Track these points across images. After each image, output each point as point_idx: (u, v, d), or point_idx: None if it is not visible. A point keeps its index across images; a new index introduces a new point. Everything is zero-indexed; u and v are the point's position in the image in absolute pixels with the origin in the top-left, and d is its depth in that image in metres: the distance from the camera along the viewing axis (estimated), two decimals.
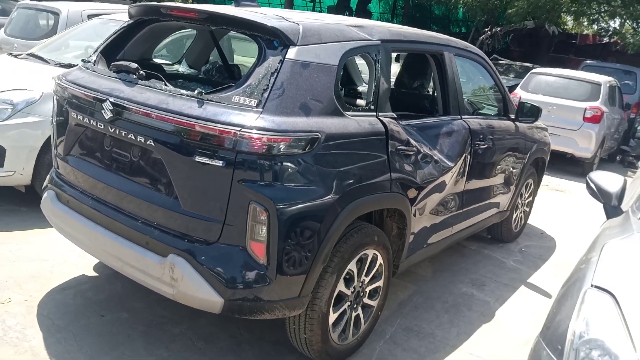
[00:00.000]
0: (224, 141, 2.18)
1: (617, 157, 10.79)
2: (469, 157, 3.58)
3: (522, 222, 5.20)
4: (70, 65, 4.53)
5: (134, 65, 2.56)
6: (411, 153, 2.94)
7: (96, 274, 3.47)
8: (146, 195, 2.45)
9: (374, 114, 2.76)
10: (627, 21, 15.13)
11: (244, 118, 2.20)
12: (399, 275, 3.30)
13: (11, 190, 4.34)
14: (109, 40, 2.99)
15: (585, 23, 18.16)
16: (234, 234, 2.26)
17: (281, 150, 2.21)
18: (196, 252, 2.30)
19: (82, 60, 2.90)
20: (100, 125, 2.54)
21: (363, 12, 19.88)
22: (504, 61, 13.53)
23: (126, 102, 2.41)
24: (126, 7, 7.89)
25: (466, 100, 3.85)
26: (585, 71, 11.38)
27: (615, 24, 16.83)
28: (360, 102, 2.80)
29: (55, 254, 3.62)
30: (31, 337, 2.76)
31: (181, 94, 2.36)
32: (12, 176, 4.03)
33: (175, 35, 4.79)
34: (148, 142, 2.35)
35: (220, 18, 2.58)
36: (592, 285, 1.91)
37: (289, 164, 2.25)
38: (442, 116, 3.44)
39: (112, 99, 2.45)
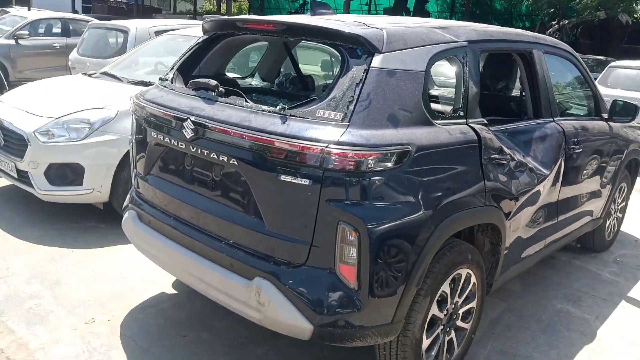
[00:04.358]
0: (310, 158, 2.05)
1: None
2: (563, 162, 3.29)
3: (615, 229, 4.78)
4: (142, 82, 4.59)
5: (213, 82, 2.49)
6: (505, 162, 2.71)
7: (175, 292, 3.44)
8: (229, 216, 2.36)
9: (464, 121, 2.56)
10: None
11: (330, 133, 2.07)
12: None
13: (90, 207, 4.43)
14: (184, 57, 2.94)
15: None
16: (322, 256, 2.13)
17: (370, 166, 2.06)
18: (283, 276, 2.18)
19: (160, 79, 2.86)
20: (181, 144, 2.48)
21: (421, 12, 19.49)
22: None
23: (207, 120, 2.34)
24: (191, 22, 8.03)
25: (557, 101, 3.55)
26: None
27: None
28: (448, 108, 2.61)
29: (135, 271, 3.63)
30: (116, 359, 2.74)
31: (263, 110, 2.25)
32: (90, 194, 4.10)
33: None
34: (231, 161, 2.26)
35: (299, 29, 2.47)
36: None
37: (379, 181, 2.09)
38: (533, 119, 3.18)
39: (193, 118, 2.39)
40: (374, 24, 2.41)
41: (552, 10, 15.24)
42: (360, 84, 2.16)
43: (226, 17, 2.83)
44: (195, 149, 2.42)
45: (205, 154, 2.37)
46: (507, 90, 3.69)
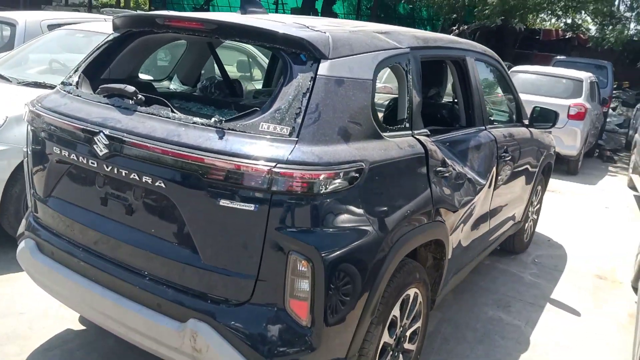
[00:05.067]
0: (255, 180, 1.77)
1: (595, 152, 10.79)
2: (495, 171, 3.27)
3: (532, 230, 4.94)
4: (36, 84, 4.02)
5: (131, 88, 2.12)
6: (448, 174, 2.60)
7: (83, 327, 2.98)
8: (154, 247, 2.01)
9: (410, 132, 2.41)
10: (592, 17, 15.34)
11: (278, 150, 1.80)
12: None
13: None
14: (90, 57, 2.52)
15: (554, 20, 18.39)
16: (269, 292, 1.86)
17: (324, 187, 1.82)
18: (223, 316, 1.88)
19: (62, 83, 2.42)
20: (92, 162, 2.08)
21: (329, 13, 19.59)
22: None
23: (125, 134, 1.97)
24: (89, 15, 7.31)
25: (487, 108, 3.54)
26: (557, 67, 11.37)
27: (580, 20, 17.08)
28: (394, 120, 2.44)
29: (32, 305, 3.11)
30: None
31: (195, 123, 1.93)
32: None
33: None
34: (157, 183, 1.92)
35: (233, 29, 2.17)
36: None
37: (333, 203, 1.86)
38: (467, 128, 3.12)
39: (106, 131, 2.01)
40: (316, 26, 2.18)
41: (455, 15, 15.96)
42: (308, 94, 1.91)
43: (144, 13, 2.45)
44: (109, 168, 2.04)
45: (123, 174, 2.00)
46: (438, 97, 3.63)
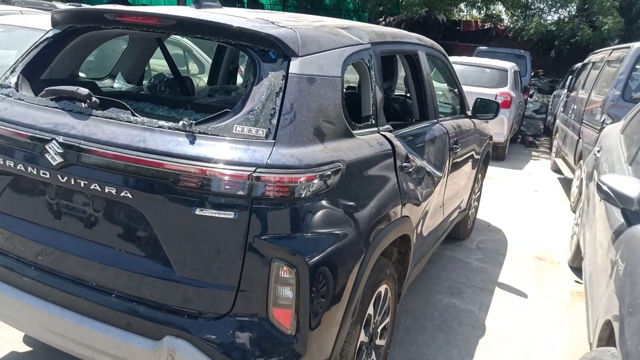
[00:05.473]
0: (233, 186, 1.68)
1: (518, 138, 11.39)
2: (448, 163, 3.35)
3: (474, 217, 5.13)
4: None
5: (84, 90, 1.94)
6: (411, 169, 2.61)
7: (30, 348, 2.75)
8: (120, 262, 1.86)
9: (376, 129, 2.39)
10: (510, 9, 16.13)
11: (256, 154, 1.72)
12: None
13: None
14: (27, 57, 2.29)
15: (475, 12, 19.14)
16: (251, 302, 1.78)
17: (305, 190, 1.76)
18: (202, 331, 1.78)
19: (0, 86, 2.18)
20: (43, 173, 1.89)
21: (255, 4, 19.27)
22: None
23: (83, 141, 1.81)
24: (6, 7, 6.71)
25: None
26: (480, 57, 11.86)
27: (498, 11, 17.90)
28: (358, 117, 2.41)
29: None
30: None
31: (161, 127, 1.80)
32: None
33: None
34: (122, 194, 1.77)
35: (194, 25, 2.03)
36: None
37: (314, 206, 1.81)
38: (421, 122, 3.16)
39: (60, 139, 1.83)
40: (280, 22, 2.09)
41: (381, 7, 16.23)
42: (281, 94, 1.83)
43: (90, 7, 2.23)
44: (65, 178, 1.86)
45: (82, 184, 1.83)
46: (390, 92, 3.64)
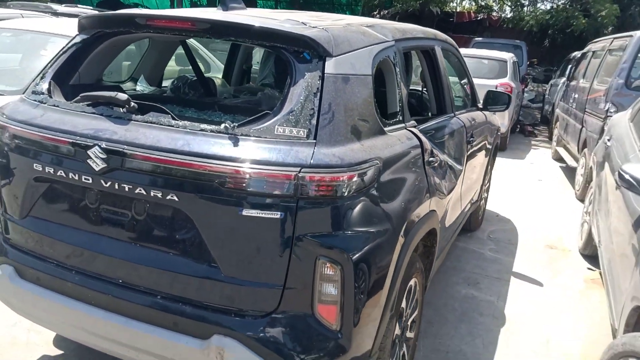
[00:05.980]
0: (279, 187, 1.71)
1: (517, 128, 11.46)
2: (466, 155, 3.39)
3: (484, 208, 5.18)
4: None
5: (124, 95, 1.96)
6: (437, 163, 2.65)
7: (60, 351, 2.77)
8: (165, 263, 1.89)
9: (403, 125, 2.42)
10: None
11: (299, 154, 1.75)
12: None
13: None
14: (57, 62, 2.30)
15: (466, 3, 19.13)
16: (296, 299, 1.81)
17: (347, 188, 1.79)
18: (250, 329, 1.81)
19: (33, 92, 2.19)
20: (85, 178, 1.91)
21: (248, 1, 19.17)
22: None
23: (126, 146, 1.83)
24: (11, 11, 6.66)
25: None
26: (476, 48, 11.91)
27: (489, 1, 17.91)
28: (385, 113, 2.44)
29: None
30: None
31: (203, 130, 1.83)
32: None
33: None
34: (168, 197, 1.79)
35: (227, 28, 2.05)
36: None
37: (355, 204, 1.84)
38: (440, 116, 3.19)
39: (102, 144, 1.85)
40: (311, 22, 2.12)
41: (375, 1, 16.22)
42: (318, 94, 1.86)
43: (119, 12, 2.24)
44: (108, 183, 1.88)
45: (127, 189, 1.86)
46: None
